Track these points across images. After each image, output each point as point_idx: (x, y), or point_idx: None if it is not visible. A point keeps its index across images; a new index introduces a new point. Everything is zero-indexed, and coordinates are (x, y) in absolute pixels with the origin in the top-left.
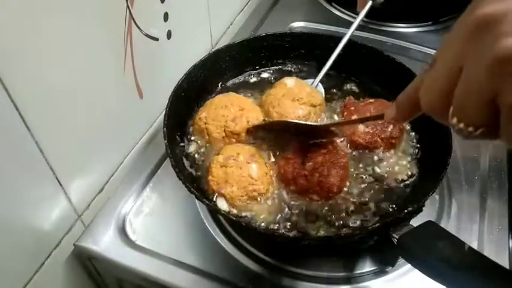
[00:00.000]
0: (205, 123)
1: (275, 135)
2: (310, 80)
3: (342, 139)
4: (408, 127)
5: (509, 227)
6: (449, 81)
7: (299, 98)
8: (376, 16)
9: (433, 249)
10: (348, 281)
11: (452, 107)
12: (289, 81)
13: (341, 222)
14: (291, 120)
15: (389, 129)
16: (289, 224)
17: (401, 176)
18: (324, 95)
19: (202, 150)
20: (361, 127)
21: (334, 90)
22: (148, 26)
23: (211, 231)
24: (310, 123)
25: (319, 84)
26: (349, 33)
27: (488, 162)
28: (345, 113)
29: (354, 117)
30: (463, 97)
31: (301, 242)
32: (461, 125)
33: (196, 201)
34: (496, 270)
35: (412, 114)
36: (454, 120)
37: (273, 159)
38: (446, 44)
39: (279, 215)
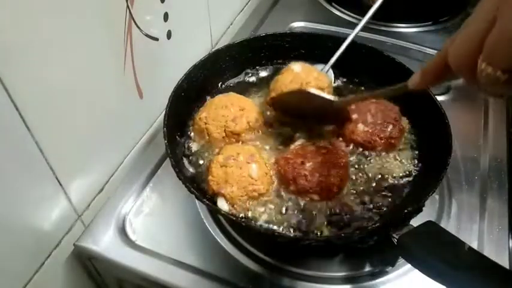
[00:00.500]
0: (206, 123)
1: (289, 116)
2: (320, 66)
3: (341, 138)
4: (408, 125)
5: (509, 227)
6: (482, 30)
7: (307, 82)
8: (376, 16)
9: (433, 249)
10: (348, 281)
11: (483, 53)
12: (296, 67)
13: (341, 222)
14: (312, 90)
15: (388, 129)
16: (289, 224)
17: (401, 175)
18: (333, 81)
19: (202, 150)
20: (360, 126)
21: (334, 90)
22: (148, 26)
23: (211, 231)
24: (326, 95)
25: (330, 69)
26: (367, 16)
27: (488, 162)
28: None
29: (355, 115)
30: (496, 41)
31: (301, 242)
32: (490, 70)
33: (196, 201)
34: (496, 270)
35: (437, 78)
36: (483, 65)
37: (273, 159)
38: (479, 5)
39: (279, 215)
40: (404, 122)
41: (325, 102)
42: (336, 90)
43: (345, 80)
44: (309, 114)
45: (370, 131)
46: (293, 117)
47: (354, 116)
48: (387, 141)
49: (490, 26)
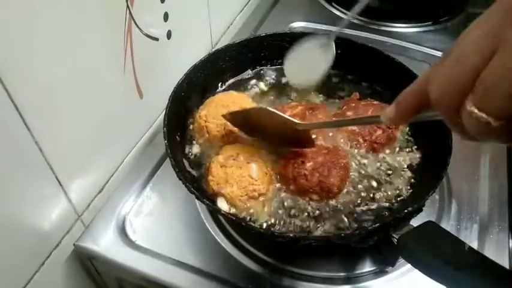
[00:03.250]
0: (206, 121)
1: (248, 133)
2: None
3: (342, 139)
4: (406, 129)
5: (509, 227)
6: (476, 64)
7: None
8: (376, 16)
9: (433, 249)
10: (348, 281)
11: (474, 93)
12: None
13: (341, 222)
14: (272, 110)
15: (376, 134)
16: (289, 223)
17: (401, 175)
18: (334, 54)
19: (202, 150)
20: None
21: (333, 90)
22: (148, 26)
23: (211, 231)
24: (291, 118)
25: (333, 42)
26: None
27: (488, 162)
28: (344, 107)
29: (351, 113)
30: (493, 80)
31: (301, 242)
32: (482, 114)
33: (196, 201)
34: (496, 270)
35: (415, 113)
36: (472, 107)
37: (273, 159)
38: (472, 29)
39: (279, 215)
40: (400, 129)
41: (288, 123)
42: (336, 90)
43: (344, 80)
44: (269, 133)
45: (357, 131)
46: (251, 135)
47: (349, 114)
48: (370, 145)
49: (484, 61)
